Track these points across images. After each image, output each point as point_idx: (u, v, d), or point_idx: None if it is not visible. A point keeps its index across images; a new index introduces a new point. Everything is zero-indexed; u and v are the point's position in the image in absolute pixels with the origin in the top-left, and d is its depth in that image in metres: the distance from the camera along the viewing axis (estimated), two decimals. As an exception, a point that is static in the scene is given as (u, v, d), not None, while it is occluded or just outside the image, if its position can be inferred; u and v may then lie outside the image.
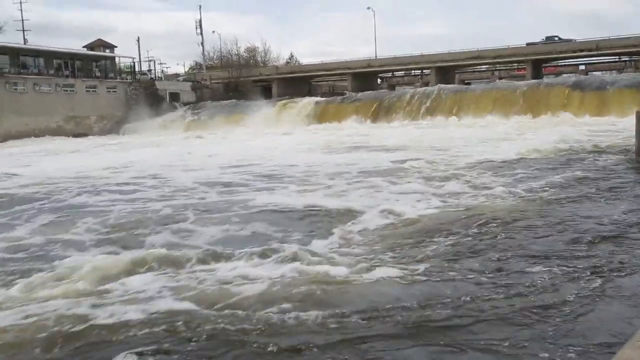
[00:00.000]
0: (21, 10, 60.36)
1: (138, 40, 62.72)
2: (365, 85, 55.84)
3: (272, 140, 31.88)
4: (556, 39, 56.21)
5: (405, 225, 8.47)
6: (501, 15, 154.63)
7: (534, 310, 4.94)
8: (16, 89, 47.30)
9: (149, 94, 54.81)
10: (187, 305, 5.41)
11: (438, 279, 5.89)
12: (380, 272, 6.12)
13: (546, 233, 7.48)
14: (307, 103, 48.05)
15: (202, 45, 67.58)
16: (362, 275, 6.07)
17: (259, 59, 74.72)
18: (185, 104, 55.23)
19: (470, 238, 7.47)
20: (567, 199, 9.83)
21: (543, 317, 4.80)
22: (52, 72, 50.92)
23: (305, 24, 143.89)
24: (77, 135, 47.70)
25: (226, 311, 5.22)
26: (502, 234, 7.55)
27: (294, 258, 6.71)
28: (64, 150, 33.35)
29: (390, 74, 71.27)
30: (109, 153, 29.09)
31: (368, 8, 68.08)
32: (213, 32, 72.80)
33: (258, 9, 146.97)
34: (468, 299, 5.28)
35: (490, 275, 5.96)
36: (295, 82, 61.01)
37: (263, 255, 6.98)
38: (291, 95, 52.20)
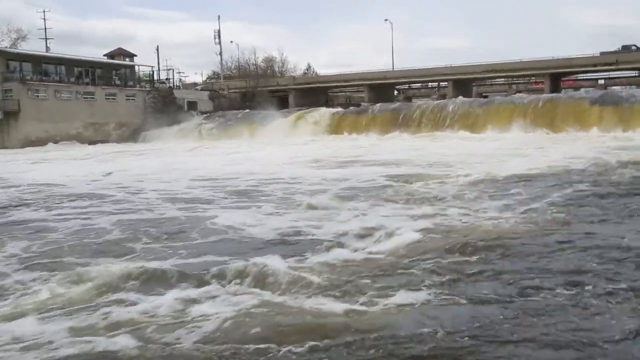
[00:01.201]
0: (44, 19, 61.40)
1: (157, 50, 63.43)
2: (382, 96, 55.68)
3: (278, 151, 31.25)
4: (633, 47, 53.81)
5: (388, 255, 7.28)
6: (522, 30, 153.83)
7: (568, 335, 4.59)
8: (37, 96, 47.87)
9: (167, 102, 55.20)
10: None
11: (443, 304, 5.36)
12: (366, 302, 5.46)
13: (568, 251, 7.03)
14: (323, 114, 47.94)
15: (220, 55, 68.11)
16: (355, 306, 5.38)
17: (276, 69, 74.97)
18: (202, 113, 55.50)
19: (468, 261, 6.78)
20: (592, 216, 9.30)
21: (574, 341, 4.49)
22: (72, 79, 51.50)
23: (324, 36, 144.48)
24: (96, 142, 48.07)
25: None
26: (512, 255, 6.92)
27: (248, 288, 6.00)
28: (64, 158, 33.02)
29: (407, 86, 71.10)
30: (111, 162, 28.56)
31: (385, 20, 68.14)
32: (231, 42, 73.19)
33: (277, 20, 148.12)
34: (487, 322, 4.87)
35: (511, 299, 5.49)
36: (312, 93, 61.05)
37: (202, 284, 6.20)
38: (308, 106, 52.19)
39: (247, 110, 52.87)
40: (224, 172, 19.64)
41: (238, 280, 6.21)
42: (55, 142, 46.31)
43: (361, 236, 8.34)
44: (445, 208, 10.37)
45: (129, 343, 4.64)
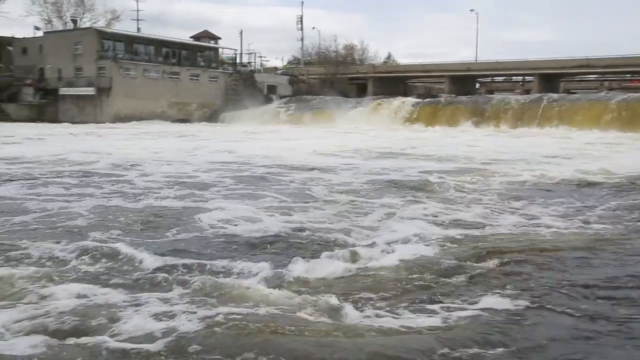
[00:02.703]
0: (137, 1, 63.62)
1: (241, 33, 64.57)
2: (463, 89, 53.88)
3: (343, 138, 30.26)
4: None
5: (412, 267, 6.01)
6: (615, 24, 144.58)
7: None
8: (128, 74, 49.76)
9: (247, 85, 55.93)
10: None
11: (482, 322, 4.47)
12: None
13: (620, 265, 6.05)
14: (401, 103, 46.97)
15: (302, 41, 68.24)
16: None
17: (356, 57, 74.22)
18: (281, 97, 55.86)
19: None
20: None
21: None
22: (160, 59, 53.18)
23: (406, 25, 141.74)
24: (179, 120, 49.49)
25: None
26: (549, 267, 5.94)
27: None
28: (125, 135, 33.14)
29: (489, 79, 68.50)
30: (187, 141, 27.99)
31: (471, 10, 65.75)
32: (313, 28, 73.23)
33: (359, 8, 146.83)
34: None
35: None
36: (391, 82, 60.00)
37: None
38: (386, 95, 51.30)
39: (326, 97, 52.64)
40: (257, 155, 18.92)
41: (198, 286, 5.20)
42: (142, 119, 47.94)
43: (369, 240, 7.03)
44: (493, 212, 9.03)
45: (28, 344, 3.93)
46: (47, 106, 50.62)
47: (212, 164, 16.49)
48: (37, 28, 58.58)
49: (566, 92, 60.72)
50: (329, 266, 5.88)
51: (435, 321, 4.45)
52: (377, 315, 4.60)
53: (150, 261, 5.97)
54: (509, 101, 43.02)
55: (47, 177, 13.00)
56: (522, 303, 4.80)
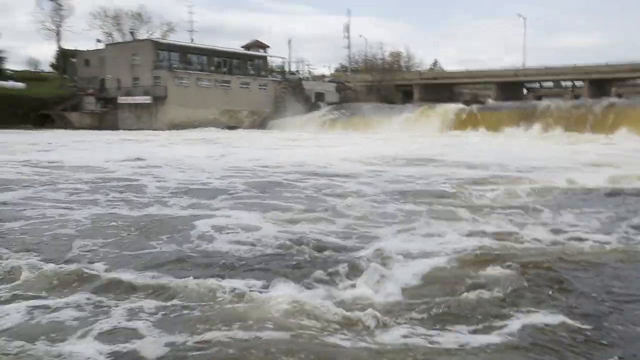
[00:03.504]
0: (190, 13, 65.88)
1: (289, 42, 65.80)
2: (510, 95, 53.22)
3: (383, 144, 29.77)
4: None
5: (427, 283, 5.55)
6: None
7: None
8: (182, 83, 51.63)
9: (296, 92, 57.01)
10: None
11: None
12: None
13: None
14: (447, 110, 46.85)
15: (349, 49, 68.92)
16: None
17: (402, 64, 74.32)
18: (329, 104, 56.61)
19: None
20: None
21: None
22: (212, 68, 54.90)
23: (452, 32, 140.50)
24: (229, 127, 50.90)
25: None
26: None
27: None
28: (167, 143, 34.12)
29: (537, 85, 67.24)
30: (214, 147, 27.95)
31: (519, 15, 64.79)
32: (360, 36, 73.99)
33: (406, 16, 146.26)
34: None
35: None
36: (437, 89, 59.84)
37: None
38: (432, 102, 51.27)
39: (372, 103, 53.03)
40: (286, 161, 18.40)
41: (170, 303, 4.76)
42: (194, 126, 49.56)
43: (381, 254, 6.36)
44: (522, 223, 8.23)
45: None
46: (107, 114, 53.05)
47: (232, 170, 16.20)
48: (98, 41, 61.70)
49: (618, 97, 58.96)
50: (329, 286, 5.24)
51: (471, 341, 4.10)
52: (406, 336, 4.18)
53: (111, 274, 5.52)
54: (556, 106, 42.25)
55: (63, 182, 12.84)
56: (566, 319, 4.45)
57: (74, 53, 60.85)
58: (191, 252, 6.52)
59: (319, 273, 5.62)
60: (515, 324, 4.38)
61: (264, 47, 64.93)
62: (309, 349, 3.93)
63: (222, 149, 26.43)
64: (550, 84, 65.58)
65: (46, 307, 4.65)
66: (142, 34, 63.44)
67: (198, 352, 3.86)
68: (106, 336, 4.08)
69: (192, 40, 62.16)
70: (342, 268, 5.74)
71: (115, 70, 53.96)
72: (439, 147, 27.68)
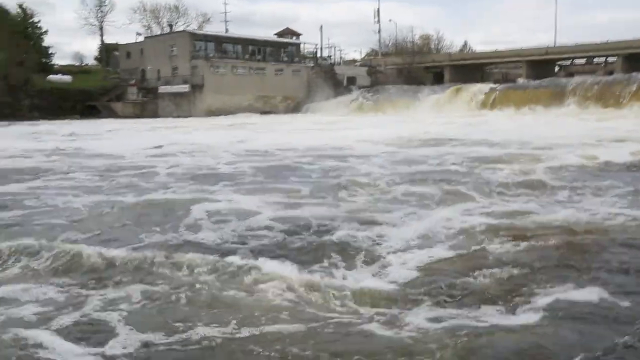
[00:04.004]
0: (225, 4, 67.39)
1: (321, 29, 66.47)
2: (541, 73, 52.81)
3: (409, 125, 29.76)
4: None
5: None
6: None
7: None
8: (218, 71, 53.26)
9: (328, 77, 58.05)
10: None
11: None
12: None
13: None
14: (477, 90, 47.04)
15: (379, 33, 69.31)
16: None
17: (432, 46, 74.29)
18: (360, 87, 57.43)
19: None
20: None
21: None
22: (247, 56, 56.33)
23: (481, 13, 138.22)
24: (264, 112, 52.31)
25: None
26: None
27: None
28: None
29: (569, 62, 66.26)
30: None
31: (550, -7, 63.85)
32: (390, 20, 74.13)
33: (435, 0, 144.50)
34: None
35: None
36: (467, 69, 59.81)
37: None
38: (462, 82, 51.44)
39: (403, 85, 53.56)
40: (303, 144, 18.73)
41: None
42: (231, 112, 51.08)
43: (390, 240, 6.08)
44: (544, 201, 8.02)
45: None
46: (148, 103, 55.20)
47: (248, 154, 16.47)
48: (138, 34, 64.06)
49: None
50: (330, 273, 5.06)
51: (504, 321, 3.99)
52: (429, 319, 4.05)
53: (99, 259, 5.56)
54: (587, 83, 41.95)
55: (75, 170, 13.30)
56: (597, 295, 4.38)
57: (116, 46, 63.30)
58: (183, 237, 6.39)
59: (315, 257, 5.45)
60: (544, 300, 4.23)
61: (296, 34, 65.96)
62: (315, 336, 3.75)
63: (246, 133, 26.68)
64: (582, 60, 64.53)
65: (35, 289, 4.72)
66: (179, 26, 65.48)
67: (184, 335, 3.75)
68: (86, 324, 4.03)
69: (226, 30, 63.67)
70: (344, 252, 5.55)
71: (155, 61, 55.96)
72: (465, 127, 27.91)
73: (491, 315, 4.05)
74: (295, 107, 55.35)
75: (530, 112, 39.30)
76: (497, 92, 45.78)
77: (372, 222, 6.95)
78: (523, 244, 5.64)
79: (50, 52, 61.99)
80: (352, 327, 3.88)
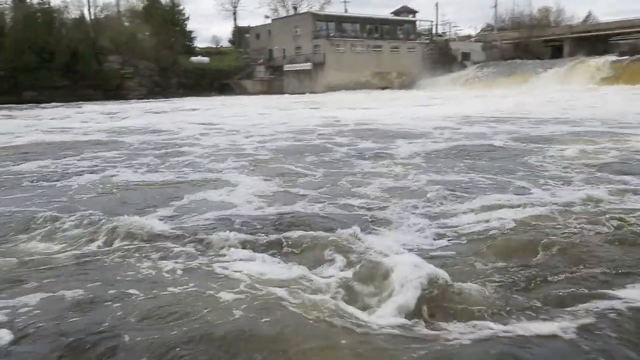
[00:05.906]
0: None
1: (436, 5, 65.67)
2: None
3: (511, 100, 28.54)
4: None
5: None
6: None
7: None
8: (338, 50, 55.09)
9: (442, 53, 57.72)
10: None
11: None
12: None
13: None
14: (599, 63, 44.40)
15: (495, 8, 66.91)
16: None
17: (551, 19, 70.14)
18: (475, 63, 56.31)
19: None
20: None
21: None
22: (365, 35, 57.42)
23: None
24: (381, 88, 53.37)
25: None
26: None
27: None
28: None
29: None
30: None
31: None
32: (507, -6, 70.94)
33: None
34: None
35: None
36: (589, 42, 56.16)
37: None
38: (584, 56, 48.60)
39: (519, 60, 51.75)
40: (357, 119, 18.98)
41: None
42: (349, 88, 52.87)
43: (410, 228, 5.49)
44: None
45: None
46: (275, 81, 58.55)
47: (296, 131, 16.25)
48: (266, 16, 67.48)
49: None
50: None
51: (553, 328, 3.33)
52: (475, 324, 3.43)
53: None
54: None
55: (113, 145, 13.64)
56: None
57: (247, 29, 67.41)
58: (169, 222, 5.83)
59: (303, 250, 4.82)
60: (603, 303, 3.59)
61: (412, 12, 65.80)
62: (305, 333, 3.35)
63: (327, 111, 25.40)
64: None
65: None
66: (303, 8, 68.10)
67: (160, 327, 3.43)
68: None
69: (346, 10, 65.06)
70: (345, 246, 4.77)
71: (280, 42, 59.00)
72: (563, 102, 25.59)
73: (541, 317, 3.51)
74: (410, 83, 55.82)
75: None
76: (622, 64, 42.76)
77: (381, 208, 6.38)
78: (574, 237, 4.98)
79: (192, 36, 67.45)
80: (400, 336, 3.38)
